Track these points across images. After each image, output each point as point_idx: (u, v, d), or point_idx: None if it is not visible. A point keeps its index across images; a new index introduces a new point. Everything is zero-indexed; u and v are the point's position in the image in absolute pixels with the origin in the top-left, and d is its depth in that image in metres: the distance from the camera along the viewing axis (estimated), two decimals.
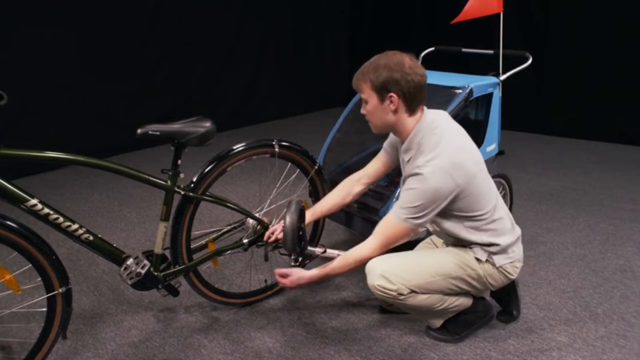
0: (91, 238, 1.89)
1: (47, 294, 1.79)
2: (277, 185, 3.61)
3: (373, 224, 2.05)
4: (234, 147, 2.18)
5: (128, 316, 2.34)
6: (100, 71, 4.50)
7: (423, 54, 3.34)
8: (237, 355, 2.08)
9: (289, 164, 2.39)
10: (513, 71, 2.85)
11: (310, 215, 2.22)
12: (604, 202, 3.62)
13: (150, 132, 1.92)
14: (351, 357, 2.06)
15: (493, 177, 2.71)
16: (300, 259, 2.14)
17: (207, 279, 2.33)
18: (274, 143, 2.26)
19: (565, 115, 5.30)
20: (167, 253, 2.15)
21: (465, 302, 2.07)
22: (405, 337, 2.18)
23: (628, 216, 3.38)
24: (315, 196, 2.51)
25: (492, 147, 2.79)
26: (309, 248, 2.13)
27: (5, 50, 3.89)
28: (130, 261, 2.01)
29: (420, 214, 1.82)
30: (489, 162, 2.79)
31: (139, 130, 1.91)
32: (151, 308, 2.40)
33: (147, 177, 1.99)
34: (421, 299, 1.97)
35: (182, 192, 2.08)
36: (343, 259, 1.95)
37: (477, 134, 2.75)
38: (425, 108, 1.92)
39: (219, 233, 2.33)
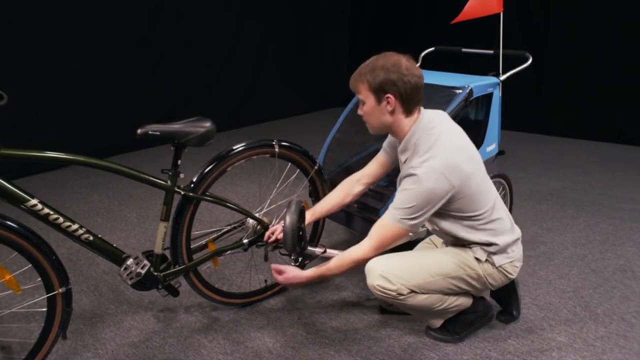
0: (91, 238, 1.89)
1: (47, 294, 1.79)
2: (277, 185, 3.61)
3: (373, 224, 2.05)
4: (234, 147, 2.18)
5: (128, 316, 2.34)
6: (100, 71, 4.50)
7: (423, 54, 3.35)
8: (237, 355, 2.08)
9: (289, 164, 2.39)
10: (513, 71, 2.85)
11: (310, 215, 2.23)
12: (604, 202, 3.62)
13: (150, 132, 1.92)
14: (351, 357, 2.06)
15: (493, 177, 2.72)
16: (300, 259, 2.14)
17: (207, 279, 2.33)
18: (274, 143, 2.26)
19: (565, 115, 5.31)
20: (167, 253, 2.15)
21: (465, 302, 2.07)
22: (405, 337, 2.18)
23: (628, 216, 3.38)
24: (315, 196, 2.51)
25: (492, 147, 2.79)
26: (309, 248, 2.13)
27: (5, 50, 3.89)
28: (130, 261, 2.01)
29: (415, 215, 1.83)
30: (489, 162, 2.80)
31: (139, 130, 1.91)
32: (151, 308, 2.40)
33: (147, 177, 1.99)
34: (421, 299, 1.97)
35: (182, 192, 2.08)
36: (338, 260, 1.95)
37: (477, 134, 2.75)
38: (422, 109, 1.93)
39: (219, 233, 2.33)
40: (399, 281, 1.92)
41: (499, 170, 2.86)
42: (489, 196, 1.93)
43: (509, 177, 2.89)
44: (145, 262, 2.05)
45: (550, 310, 2.36)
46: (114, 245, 1.98)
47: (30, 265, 1.74)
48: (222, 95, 5.57)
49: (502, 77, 2.80)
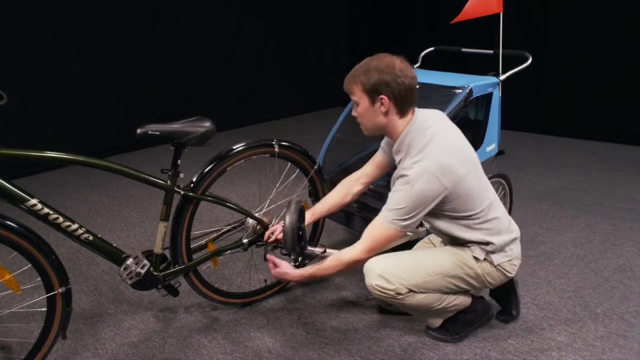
0: (91, 238, 1.89)
1: (47, 294, 1.79)
2: (277, 185, 3.61)
3: None
4: (234, 147, 2.18)
5: (128, 316, 2.34)
6: (100, 71, 4.50)
7: (423, 54, 3.35)
8: (237, 355, 2.08)
9: (289, 164, 2.39)
10: (513, 71, 2.85)
11: (310, 216, 2.23)
12: (604, 202, 3.62)
13: (150, 132, 1.92)
14: (351, 357, 2.06)
15: (493, 177, 2.72)
16: (300, 259, 2.14)
17: (207, 279, 2.33)
18: (274, 143, 2.26)
19: (565, 115, 5.31)
20: (167, 253, 2.15)
21: (464, 301, 2.07)
22: (405, 337, 2.18)
23: (628, 216, 3.38)
24: (315, 196, 2.51)
25: (492, 147, 2.79)
26: (309, 248, 2.13)
27: (5, 50, 3.89)
28: (130, 261, 2.01)
29: (407, 217, 1.82)
30: (489, 162, 2.80)
31: (139, 130, 1.91)
32: (151, 308, 2.40)
33: (147, 177, 1.99)
34: (420, 299, 1.97)
35: (182, 192, 2.08)
36: (331, 261, 1.95)
37: (477, 134, 2.75)
38: (417, 110, 1.93)
39: (219, 233, 2.33)
40: (398, 281, 1.92)
41: (499, 170, 2.86)
42: (485, 196, 1.93)
43: (509, 177, 2.89)
44: (145, 262, 2.05)
45: (550, 310, 2.36)
46: (114, 245, 1.98)
47: (30, 265, 1.74)
48: (222, 95, 5.57)
49: (502, 77, 2.80)
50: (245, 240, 2.29)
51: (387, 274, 1.93)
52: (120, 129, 4.54)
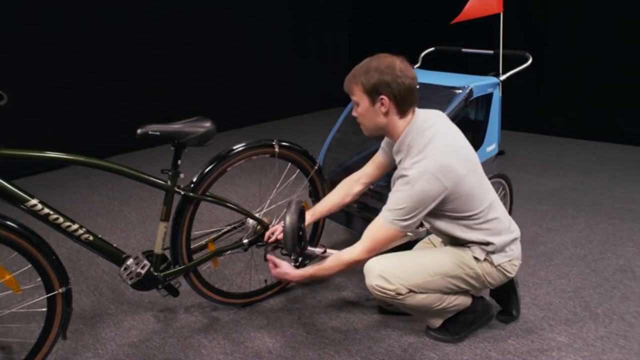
0: (91, 238, 1.89)
1: (47, 294, 1.79)
2: (277, 186, 3.61)
3: None
4: (234, 148, 2.18)
5: (128, 316, 2.34)
6: (100, 71, 4.50)
7: (423, 54, 3.34)
8: (237, 355, 2.08)
9: (289, 164, 2.39)
10: (513, 71, 2.85)
11: (310, 216, 2.23)
12: (604, 202, 3.63)
13: (150, 132, 1.92)
14: (351, 357, 2.06)
15: (493, 177, 2.72)
16: (300, 259, 2.14)
17: (207, 279, 2.33)
18: (274, 143, 2.26)
19: (565, 115, 5.31)
20: (167, 253, 2.15)
21: (464, 301, 2.07)
22: (405, 337, 2.18)
23: (628, 216, 3.38)
24: (315, 196, 2.51)
25: (492, 147, 2.79)
26: (309, 248, 2.13)
27: (5, 50, 3.89)
28: (130, 261, 2.01)
29: (407, 217, 1.82)
30: (489, 162, 2.80)
31: (139, 130, 1.91)
32: (151, 308, 2.40)
33: (147, 177, 1.99)
34: (420, 299, 1.97)
35: (182, 192, 2.08)
36: (331, 261, 1.95)
37: (477, 134, 2.75)
38: (417, 110, 1.93)
39: (219, 233, 2.33)
40: (398, 281, 1.92)
41: (499, 170, 2.86)
42: (485, 196, 1.93)
43: (509, 177, 2.89)
44: (145, 262, 2.05)
45: (550, 310, 2.36)
46: (114, 245, 1.98)
47: (30, 265, 1.74)
48: (222, 95, 5.57)
49: (502, 77, 2.80)
50: (245, 240, 2.29)
51: (387, 273, 1.93)
52: (120, 129, 4.55)
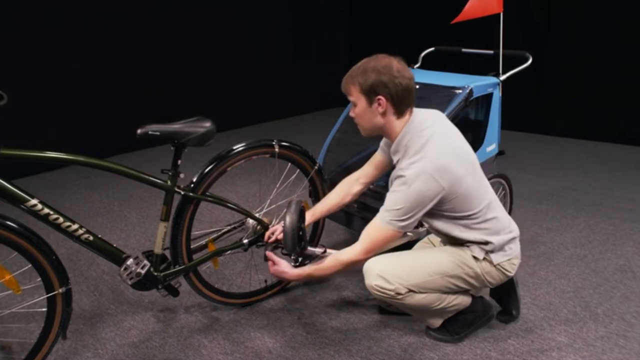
0: (91, 238, 1.89)
1: (47, 294, 1.79)
2: (277, 186, 3.61)
3: None
4: (234, 148, 2.18)
5: (128, 316, 2.34)
6: (100, 71, 4.50)
7: (423, 54, 3.34)
8: (237, 355, 2.08)
9: (289, 164, 2.39)
10: (513, 71, 2.85)
11: (310, 216, 2.23)
12: (604, 202, 3.63)
13: (150, 132, 1.92)
14: (351, 357, 2.06)
15: (493, 177, 2.72)
16: (300, 259, 2.14)
17: (207, 279, 2.33)
18: (274, 143, 2.26)
19: (565, 115, 5.31)
20: (167, 253, 2.15)
21: (463, 301, 2.07)
22: (405, 337, 2.18)
23: (628, 216, 3.38)
24: (315, 196, 2.51)
25: (492, 147, 2.79)
26: (309, 248, 2.13)
27: (5, 50, 3.89)
28: (130, 261, 2.01)
29: (404, 217, 1.83)
30: (489, 162, 2.79)
31: (139, 130, 1.91)
32: (151, 308, 2.40)
33: (147, 177, 1.99)
34: (419, 298, 1.97)
35: (182, 192, 2.08)
36: (329, 261, 1.96)
37: (477, 134, 2.75)
38: (414, 110, 1.93)
39: (219, 233, 2.33)
40: (397, 281, 1.92)
41: (499, 170, 2.86)
42: (483, 196, 1.93)
43: (509, 177, 2.89)
44: (145, 262, 2.05)
45: (550, 310, 2.36)
46: (114, 245, 1.98)
47: (30, 265, 1.74)
48: (222, 95, 5.57)
49: (502, 77, 2.80)
50: (245, 240, 2.29)
51: (386, 273, 1.93)
52: (120, 129, 4.55)
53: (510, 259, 2.01)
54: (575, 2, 5.04)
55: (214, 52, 5.40)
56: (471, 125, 2.84)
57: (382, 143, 2.16)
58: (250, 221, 2.33)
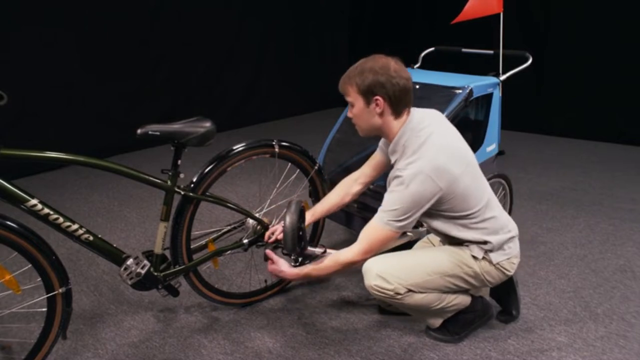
0: (91, 238, 1.89)
1: (47, 294, 1.79)
2: (277, 186, 3.61)
3: None
4: (234, 148, 2.18)
5: (128, 316, 2.34)
6: (100, 71, 4.50)
7: (423, 54, 3.34)
8: (237, 355, 2.08)
9: (289, 164, 2.39)
10: (513, 71, 2.85)
11: (310, 216, 2.23)
12: (604, 202, 3.63)
13: (150, 132, 1.92)
14: (351, 357, 2.06)
15: (493, 177, 2.72)
16: (300, 259, 2.14)
17: (207, 279, 2.33)
18: (274, 143, 2.26)
19: (565, 115, 5.31)
20: (167, 253, 2.15)
21: (463, 300, 2.07)
22: (405, 337, 2.18)
23: (628, 216, 3.38)
24: (315, 196, 2.51)
25: (492, 147, 2.79)
26: (309, 248, 2.13)
27: (5, 50, 3.89)
28: (130, 261, 2.01)
29: (402, 217, 1.83)
30: (489, 162, 2.80)
31: (139, 130, 1.91)
32: (151, 308, 2.40)
33: (147, 177, 1.99)
34: (418, 298, 1.97)
35: (182, 192, 2.08)
36: (328, 261, 1.96)
37: (477, 134, 2.75)
38: (412, 110, 1.93)
39: (219, 233, 2.33)
40: (396, 280, 1.92)
41: (499, 170, 2.86)
42: (482, 195, 1.93)
43: (509, 177, 2.89)
44: (145, 262, 2.05)
45: (550, 310, 2.36)
46: (114, 245, 1.98)
47: (30, 265, 1.74)
48: (222, 95, 5.57)
49: (502, 77, 2.80)
50: (245, 240, 2.29)
51: (385, 273, 1.93)
52: (120, 129, 4.55)
53: (509, 258, 2.01)
54: (575, 2, 5.04)
55: (214, 52, 5.40)
56: (471, 125, 2.84)
57: (381, 143, 2.16)
58: (250, 221, 2.33)
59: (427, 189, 1.80)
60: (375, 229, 1.88)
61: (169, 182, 2.03)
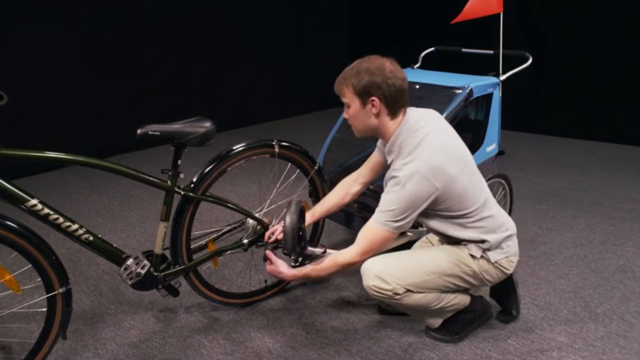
0: (91, 238, 1.89)
1: (47, 294, 1.79)
2: (277, 186, 3.61)
3: None
4: (234, 148, 2.18)
5: (128, 316, 2.34)
6: (100, 71, 4.50)
7: (423, 54, 3.34)
8: (237, 355, 2.08)
9: (289, 164, 2.39)
10: (513, 71, 2.85)
11: (310, 216, 2.23)
12: (604, 202, 3.63)
13: (150, 132, 1.92)
14: (351, 357, 2.06)
15: (493, 177, 2.72)
16: (300, 259, 2.14)
17: (207, 279, 2.33)
18: (274, 143, 2.26)
19: (565, 115, 5.31)
20: (167, 253, 2.15)
21: (462, 300, 2.07)
22: (405, 337, 2.18)
23: (628, 216, 3.38)
24: (315, 196, 2.51)
25: (492, 147, 2.79)
26: (309, 248, 2.13)
27: (5, 50, 3.89)
28: (130, 261, 2.01)
29: (399, 218, 1.83)
30: (489, 162, 2.80)
31: (139, 131, 1.91)
32: (151, 308, 2.40)
33: (147, 177, 1.99)
34: (417, 298, 1.97)
35: (182, 192, 2.08)
36: (327, 261, 1.96)
37: (477, 134, 2.75)
38: (409, 110, 1.93)
39: (219, 233, 2.33)
40: (395, 281, 1.92)
41: (499, 170, 2.86)
42: (479, 195, 1.93)
43: (509, 177, 2.89)
44: (145, 262, 2.05)
45: (550, 310, 2.36)
46: (114, 245, 1.98)
47: (30, 265, 1.74)
48: (222, 95, 5.57)
49: (502, 77, 2.80)
50: (245, 241, 2.29)
51: (383, 274, 1.93)
52: (120, 129, 4.54)
53: (508, 257, 2.01)
54: (575, 2, 5.04)
55: (214, 52, 5.40)
56: (471, 125, 2.84)
57: (379, 143, 2.16)
58: (250, 221, 2.33)
59: (424, 189, 1.80)
60: (372, 229, 1.88)
61: (169, 182, 2.03)
